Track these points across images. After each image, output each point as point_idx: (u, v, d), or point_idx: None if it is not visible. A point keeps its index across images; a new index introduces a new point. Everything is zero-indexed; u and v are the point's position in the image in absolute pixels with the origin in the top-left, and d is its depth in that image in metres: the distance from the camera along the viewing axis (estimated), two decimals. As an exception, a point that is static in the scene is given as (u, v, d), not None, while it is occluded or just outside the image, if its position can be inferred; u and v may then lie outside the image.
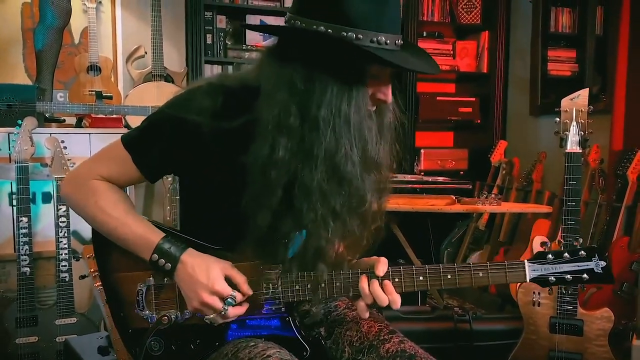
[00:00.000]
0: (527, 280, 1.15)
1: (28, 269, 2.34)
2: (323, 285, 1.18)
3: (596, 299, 2.42)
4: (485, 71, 4.09)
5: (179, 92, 1.23)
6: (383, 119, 1.18)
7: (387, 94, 1.13)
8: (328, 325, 1.33)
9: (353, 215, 1.15)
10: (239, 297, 1.16)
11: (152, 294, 1.22)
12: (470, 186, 2.78)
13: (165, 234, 1.19)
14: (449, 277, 1.17)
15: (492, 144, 3.89)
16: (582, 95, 1.92)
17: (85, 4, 3.20)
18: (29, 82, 3.11)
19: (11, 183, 2.50)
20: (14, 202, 2.39)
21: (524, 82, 3.90)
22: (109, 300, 1.27)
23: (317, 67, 1.08)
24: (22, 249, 2.33)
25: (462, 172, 4.05)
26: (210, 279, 1.14)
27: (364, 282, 1.16)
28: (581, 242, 1.19)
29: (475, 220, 3.65)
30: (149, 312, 1.22)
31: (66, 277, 2.37)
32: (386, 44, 1.06)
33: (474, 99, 4.06)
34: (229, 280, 1.16)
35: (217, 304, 1.14)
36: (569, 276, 1.13)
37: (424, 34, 3.96)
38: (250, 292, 1.17)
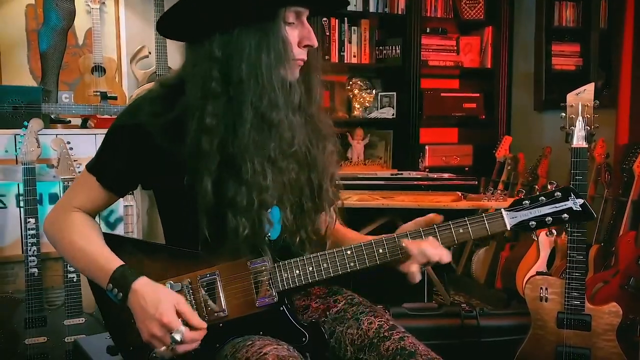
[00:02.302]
0: (508, 227, 1.17)
1: (36, 269, 2.35)
2: (350, 255, 1.20)
3: (603, 294, 2.42)
4: (489, 67, 4.08)
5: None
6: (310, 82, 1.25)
7: (311, 38, 1.19)
8: (329, 324, 1.33)
9: (288, 158, 1.20)
10: (187, 334, 1.14)
11: None
12: (476, 182, 2.78)
13: (122, 264, 1.19)
14: (430, 239, 1.20)
15: (496, 139, 3.89)
16: (587, 90, 1.91)
17: (88, 5, 3.20)
18: (34, 84, 3.11)
19: (18, 185, 2.51)
20: (22, 204, 2.40)
21: (528, 77, 3.89)
22: (107, 320, 1.30)
23: (231, 29, 1.13)
24: (30, 250, 2.35)
25: (467, 169, 4.05)
26: (159, 311, 1.13)
27: (407, 241, 1.19)
28: (555, 185, 1.20)
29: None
30: None
31: (74, 277, 2.37)
32: None
33: (478, 95, 4.05)
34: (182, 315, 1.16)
35: (166, 338, 1.14)
36: (549, 218, 1.15)
37: (427, 30, 3.95)
38: (203, 325, 1.17)
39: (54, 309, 2.39)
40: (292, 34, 1.18)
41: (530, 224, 1.16)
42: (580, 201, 1.13)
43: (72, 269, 2.37)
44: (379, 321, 1.28)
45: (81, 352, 1.83)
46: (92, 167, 1.27)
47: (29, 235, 2.35)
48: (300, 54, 1.20)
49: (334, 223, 1.38)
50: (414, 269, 1.20)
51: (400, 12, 3.84)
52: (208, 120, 1.14)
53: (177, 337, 1.12)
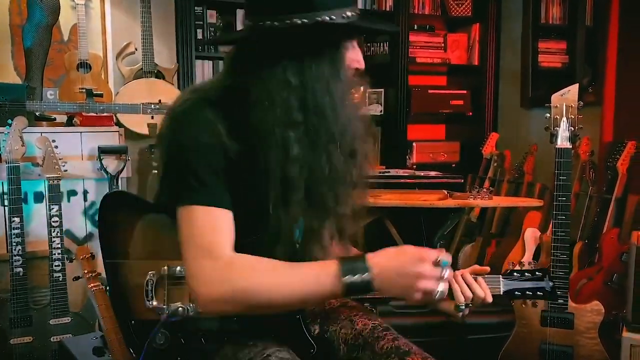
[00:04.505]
0: (501, 292, 1.29)
1: (21, 269, 2.33)
2: None
3: (587, 290, 2.45)
4: (476, 64, 4.09)
5: (171, 121, 1.14)
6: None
7: (361, 61, 1.20)
8: (321, 323, 1.34)
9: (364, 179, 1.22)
10: (447, 256, 1.09)
11: (165, 284, 1.19)
12: (462, 180, 2.80)
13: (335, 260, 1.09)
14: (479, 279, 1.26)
15: (483, 136, 3.90)
16: (572, 91, 1.93)
17: (74, 0, 3.17)
18: (18, 81, 3.08)
19: (2, 183, 2.49)
20: (6, 202, 2.38)
21: (515, 74, 3.91)
22: (112, 289, 1.25)
23: (303, 58, 1.12)
24: (14, 250, 2.33)
25: (454, 165, 4.07)
26: (413, 254, 1.07)
27: (458, 276, 1.20)
28: (535, 264, 1.33)
29: (467, 212, 3.67)
30: (157, 304, 1.19)
31: (59, 276, 2.36)
32: (352, 16, 1.13)
33: (465, 92, 4.06)
34: None
35: (436, 270, 1.07)
36: (529, 292, 1.31)
37: (415, 27, 3.95)
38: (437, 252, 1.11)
39: (40, 308, 2.38)
40: (347, 58, 1.18)
41: (516, 293, 1.31)
42: (551, 284, 1.31)
43: (57, 269, 2.36)
44: (372, 322, 1.31)
45: (67, 352, 1.83)
46: (193, 197, 1.09)
47: (14, 234, 2.33)
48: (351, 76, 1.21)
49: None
50: (449, 308, 1.22)
51: (387, 9, 3.84)
52: (294, 150, 1.10)
53: (443, 257, 1.07)
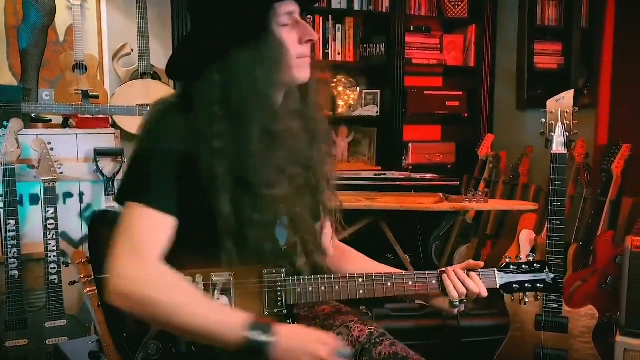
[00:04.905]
0: (497, 286, 1.29)
1: (17, 272, 2.33)
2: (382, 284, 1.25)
3: (582, 293, 2.46)
4: (472, 65, 4.10)
5: (141, 127, 1.21)
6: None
7: (310, 33, 1.20)
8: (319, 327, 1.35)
9: (296, 166, 1.21)
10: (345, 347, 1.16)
11: None
12: (458, 183, 2.81)
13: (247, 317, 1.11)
14: (434, 282, 1.29)
15: (479, 137, 3.91)
16: (567, 97, 1.94)
17: (69, 1, 3.16)
18: (14, 81, 3.07)
19: (-2, 185, 2.49)
20: (1, 205, 2.38)
21: (510, 76, 3.91)
22: (103, 304, 1.24)
23: (225, 52, 1.14)
24: (10, 252, 2.33)
25: (449, 166, 4.08)
26: (318, 338, 1.13)
27: (450, 272, 1.27)
28: (533, 257, 1.33)
29: (463, 214, 3.68)
30: None
31: (55, 279, 2.36)
32: None
33: (461, 93, 4.07)
34: None
35: (333, 358, 1.11)
36: (528, 284, 1.31)
37: (411, 28, 3.95)
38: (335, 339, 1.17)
39: (35, 310, 2.37)
40: (290, 35, 1.19)
41: (514, 286, 1.30)
42: (552, 276, 1.30)
43: (53, 271, 2.36)
44: (369, 329, 1.31)
45: (62, 356, 1.83)
46: (134, 195, 1.14)
47: (9, 237, 2.33)
48: (304, 51, 1.21)
49: (333, 231, 1.39)
50: (443, 305, 1.29)
51: (384, 10, 3.83)
52: (215, 143, 1.13)
53: (346, 350, 1.14)
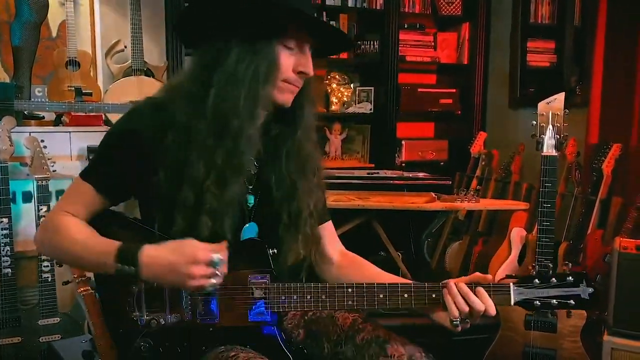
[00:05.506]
0: (512, 303, 1.12)
1: (10, 270, 2.33)
2: (381, 296, 1.18)
3: (571, 292, 2.49)
4: (465, 63, 4.11)
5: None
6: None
7: (307, 65, 1.21)
8: (305, 327, 1.36)
9: (236, 173, 1.20)
10: (223, 253, 1.14)
11: (143, 296, 1.24)
12: (450, 182, 2.82)
13: (119, 244, 1.18)
14: (433, 296, 1.19)
15: (472, 135, 3.93)
16: (558, 99, 1.95)
17: (62, -3, 3.15)
18: (6, 77, 3.06)
19: (-10, 183, 2.48)
20: (-6, 203, 2.37)
21: (503, 74, 3.93)
22: (102, 297, 1.30)
23: (228, 39, 1.17)
24: (3, 250, 2.33)
25: (442, 163, 4.10)
26: (186, 254, 1.13)
27: (451, 287, 1.14)
28: (570, 266, 1.17)
29: (455, 211, 3.70)
30: (139, 314, 1.23)
31: (48, 277, 2.36)
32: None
33: (454, 91, 4.08)
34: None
35: (208, 269, 1.12)
36: (554, 301, 1.11)
37: (405, 26, 3.96)
38: (223, 245, 1.16)
39: (29, 308, 2.38)
40: (289, 59, 1.20)
41: (535, 302, 1.12)
42: (590, 290, 1.09)
43: (46, 269, 2.36)
44: (353, 316, 1.33)
45: (56, 355, 1.84)
46: (86, 172, 1.27)
47: (2, 234, 2.33)
48: (293, 79, 1.22)
49: (319, 244, 1.39)
50: (444, 321, 1.17)
51: (378, 8, 3.84)
52: (179, 118, 1.18)
53: (217, 257, 1.12)
